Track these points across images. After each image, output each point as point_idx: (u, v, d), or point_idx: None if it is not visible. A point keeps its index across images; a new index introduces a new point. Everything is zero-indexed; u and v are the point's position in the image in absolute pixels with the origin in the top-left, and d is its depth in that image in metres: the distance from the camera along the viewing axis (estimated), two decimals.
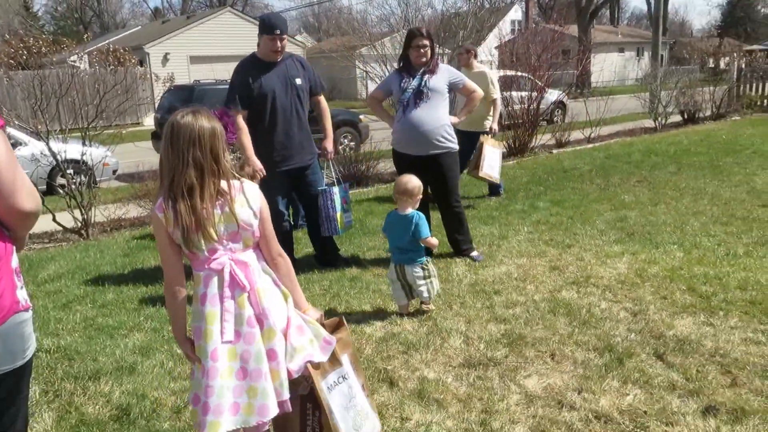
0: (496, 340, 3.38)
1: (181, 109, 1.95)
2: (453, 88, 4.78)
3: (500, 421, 2.62)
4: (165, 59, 25.44)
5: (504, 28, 20.72)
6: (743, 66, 16.74)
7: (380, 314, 3.84)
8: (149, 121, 18.06)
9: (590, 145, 11.17)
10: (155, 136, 11.92)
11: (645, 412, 2.62)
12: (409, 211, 3.75)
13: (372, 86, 21.91)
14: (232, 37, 25.58)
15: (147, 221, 6.68)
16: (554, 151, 10.58)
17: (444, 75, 4.67)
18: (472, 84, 4.88)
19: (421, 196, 3.83)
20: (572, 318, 3.62)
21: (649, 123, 13.42)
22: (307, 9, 49.99)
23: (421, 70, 4.59)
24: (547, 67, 10.56)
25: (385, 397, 2.84)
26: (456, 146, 4.74)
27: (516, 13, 37.08)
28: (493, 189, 7.18)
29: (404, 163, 4.67)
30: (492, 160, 6.67)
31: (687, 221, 5.62)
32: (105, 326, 3.89)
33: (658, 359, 3.09)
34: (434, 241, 3.84)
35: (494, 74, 7.43)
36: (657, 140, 11.42)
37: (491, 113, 6.83)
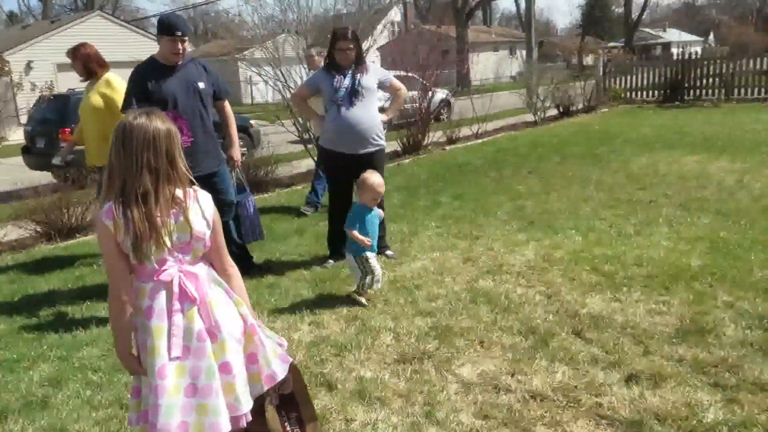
0: (425, 334, 3.44)
1: (131, 111, 1.84)
2: (381, 86, 4.83)
3: (444, 411, 2.68)
4: (28, 67, 23.48)
5: (379, 30, 21.07)
6: (607, 62, 18.15)
7: (305, 319, 3.79)
8: (16, 136, 16.61)
9: (479, 141, 11.63)
10: (26, 151, 10.97)
11: (575, 387, 2.78)
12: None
13: (258, 90, 21.51)
14: (103, 42, 23.96)
15: (30, 243, 6.15)
16: (447, 148, 10.92)
17: (374, 73, 4.74)
18: (398, 82, 4.98)
19: None
20: (493, 306, 3.76)
21: (529, 117, 14.20)
22: (183, 12, 48.21)
23: (351, 69, 4.61)
24: (434, 67, 10.88)
25: (325, 401, 2.81)
26: (385, 143, 4.85)
27: (395, 15, 37.84)
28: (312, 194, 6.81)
29: (338, 162, 4.68)
30: None
31: (579, 207, 6.01)
32: (2, 360, 3.54)
33: (578, 336, 3.29)
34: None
35: None
36: (539, 133, 12.11)
37: None
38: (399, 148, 10.49)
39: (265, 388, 2.01)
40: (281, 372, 2.02)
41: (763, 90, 16.01)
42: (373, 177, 4.04)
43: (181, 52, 4.06)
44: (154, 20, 26.69)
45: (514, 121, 14.24)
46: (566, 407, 2.65)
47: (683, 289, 3.80)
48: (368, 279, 3.93)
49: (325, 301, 4.04)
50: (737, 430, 2.41)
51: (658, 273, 4.08)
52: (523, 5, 25.65)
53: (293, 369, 2.16)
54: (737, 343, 3.08)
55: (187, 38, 4.07)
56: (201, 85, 4.23)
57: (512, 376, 2.93)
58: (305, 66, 8.94)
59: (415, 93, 10.68)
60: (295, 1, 10.01)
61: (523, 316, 3.57)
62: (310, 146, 8.81)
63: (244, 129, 12.23)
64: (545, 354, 3.10)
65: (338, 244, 4.93)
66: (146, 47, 17.32)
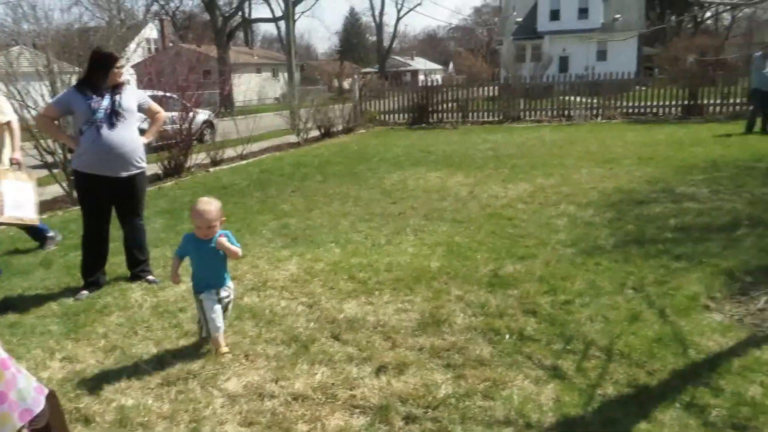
0: (190, 354, 3.45)
1: None
2: (139, 109, 4.70)
3: (209, 425, 2.74)
4: None
5: (133, 47, 20.07)
6: (362, 86, 19.50)
7: (56, 355, 3.54)
8: None
9: (244, 162, 11.71)
10: None
11: (332, 384, 3.05)
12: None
13: None
14: None
15: None
16: (211, 170, 10.81)
17: (133, 95, 4.61)
18: (156, 105, 4.90)
19: None
20: (258, 320, 3.90)
21: (293, 138, 14.67)
22: None
23: (109, 90, 4.41)
24: (195, 87, 10.72)
25: None
26: (146, 166, 4.75)
27: (150, 32, 36.10)
28: (37, 234, 5.90)
29: (97, 185, 4.48)
30: (18, 197, 5.18)
31: (338, 222, 6.45)
32: None
33: (335, 339, 3.58)
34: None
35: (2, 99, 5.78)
36: (302, 153, 12.59)
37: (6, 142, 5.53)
38: (160, 171, 10.12)
39: (19, 425, 1.91)
40: (38, 405, 1.93)
41: (490, 114, 18.60)
42: (198, 203, 3.46)
43: None
44: None
45: (279, 142, 14.60)
46: (324, 403, 2.89)
47: (424, 288, 4.34)
48: (202, 323, 3.52)
49: (79, 335, 3.81)
50: (462, 399, 2.87)
51: (404, 276, 4.60)
52: (284, 29, 26.35)
53: (50, 399, 2.07)
54: (465, 329, 3.64)
55: None
56: None
57: (276, 382, 3.10)
58: (47, 83, 8.21)
59: (175, 114, 10.41)
60: (31, 11, 9.15)
61: (286, 327, 3.77)
62: (56, 171, 8.10)
63: None
64: (306, 359, 3.33)
65: (94, 273, 4.67)
66: None
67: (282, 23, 33.42)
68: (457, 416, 2.75)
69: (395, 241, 5.63)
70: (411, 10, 79.35)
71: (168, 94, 10.60)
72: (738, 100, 16.58)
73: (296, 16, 42.27)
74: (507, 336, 3.52)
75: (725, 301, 3.95)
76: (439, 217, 6.48)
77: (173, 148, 10.31)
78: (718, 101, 16.96)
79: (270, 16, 44.66)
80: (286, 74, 22.47)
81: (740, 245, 5.02)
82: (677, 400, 2.78)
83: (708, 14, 44.79)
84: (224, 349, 3.41)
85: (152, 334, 3.78)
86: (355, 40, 63.50)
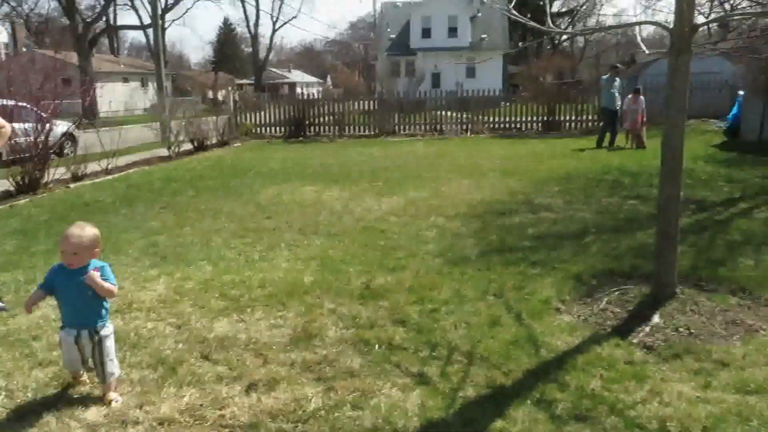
0: (45, 385, 3.24)
1: None
2: None
3: None
4: None
5: None
6: (237, 98, 19.17)
7: None
8: None
9: (110, 177, 11.09)
10: None
11: (201, 405, 3.00)
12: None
13: None
14: None
15: None
16: (72, 185, 10.14)
17: None
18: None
19: None
20: (122, 344, 3.72)
21: (164, 152, 14.10)
22: None
23: None
24: (52, 96, 10.03)
25: None
26: None
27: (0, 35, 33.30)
28: None
29: None
30: None
31: (211, 238, 6.31)
32: None
33: (205, 359, 3.52)
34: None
35: None
36: (173, 167, 12.14)
37: None
38: (12, 188, 9.34)
39: None
40: None
41: (366, 127, 18.97)
42: (70, 226, 3.07)
43: None
44: None
45: (149, 156, 13.96)
46: (192, 426, 2.84)
47: (297, 303, 4.37)
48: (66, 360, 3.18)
49: None
50: (332, 411, 2.93)
51: (277, 292, 4.60)
52: (152, 37, 25.26)
53: None
54: (336, 342, 3.71)
55: None
56: None
57: (140, 408, 2.99)
58: None
59: (29, 125, 9.68)
60: None
61: (152, 350, 3.65)
62: None
63: None
64: (174, 381, 3.24)
65: None
66: None
67: (151, 30, 31.96)
68: (327, 428, 2.81)
69: (269, 256, 5.61)
70: (286, 22, 78.71)
71: (21, 104, 9.84)
72: (590, 117, 18.14)
73: (166, 24, 40.74)
74: (377, 346, 3.64)
75: (574, 303, 4.33)
76: (313, 231, 6.53)
77: (27, 162, 9.55)
78: (573, 118, 18.46)
79: (137, 23, 42.67)
80: (155, 84, 21.56)
81: (588, 251, 5.52)
82: (529, 397, 3.02)
83: (564, 37, 48.68)
84: (112, 395, 3.06)
85: (1, 365, 3.50)
86: (229, 51, 62.13)
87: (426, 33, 38.01)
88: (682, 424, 2.75)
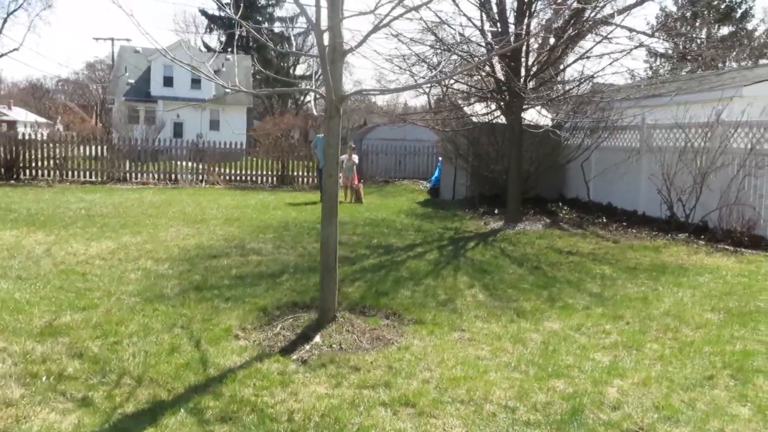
0: None
1: None
2: None
3: None
4: None
5: None
6: None
7: None
8: None
9: None
10: None
11: None
12: None
13: None
14: None
15: None
16: None
17: None
18: None
19: None
20: None
21: None
22: None
23: None
24: None
25: None
26: None
27: None
28: None
29: None
30: None
31: None
32: None
33: None
34: None
35: None
36: None
37: None
38: None
39: None
40: None
41: (93, 173, 17.95)
42: None
43: None
44: None
45: None
46: None
47: None
48: None
49: None
50: None
51: None
52: None
53: None
54: (0, 377, 3.68)
55: None
56: None
57: None
58: None
59: None
60: None
61: None
62: None
63: None
64: None
65: None
66: None
67: None
68: None
69: None
70: (4, 55, 69.88)
71: None
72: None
73: None
74: (44, 378, 3.71)
75: (254, 331, 4.86)
76: (2, 275, 6.16)
77: None
78: (306, 173, 19.78)
79: None
80: None
81: (280, 287, 6.16)
82: (183, 407, 3.40)
83: (308, 97, 51.70)
84: None
85: None
86: None
87: (168, 81, 37.27)
88: (305, 414, 3.38)
